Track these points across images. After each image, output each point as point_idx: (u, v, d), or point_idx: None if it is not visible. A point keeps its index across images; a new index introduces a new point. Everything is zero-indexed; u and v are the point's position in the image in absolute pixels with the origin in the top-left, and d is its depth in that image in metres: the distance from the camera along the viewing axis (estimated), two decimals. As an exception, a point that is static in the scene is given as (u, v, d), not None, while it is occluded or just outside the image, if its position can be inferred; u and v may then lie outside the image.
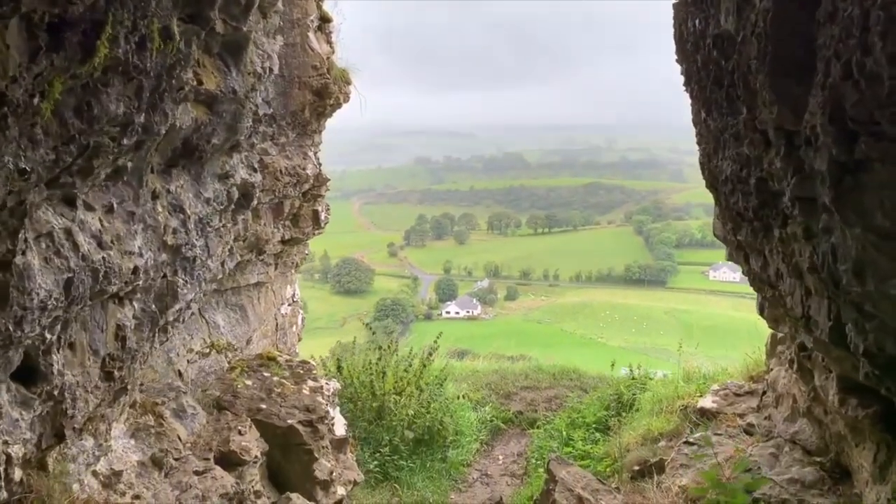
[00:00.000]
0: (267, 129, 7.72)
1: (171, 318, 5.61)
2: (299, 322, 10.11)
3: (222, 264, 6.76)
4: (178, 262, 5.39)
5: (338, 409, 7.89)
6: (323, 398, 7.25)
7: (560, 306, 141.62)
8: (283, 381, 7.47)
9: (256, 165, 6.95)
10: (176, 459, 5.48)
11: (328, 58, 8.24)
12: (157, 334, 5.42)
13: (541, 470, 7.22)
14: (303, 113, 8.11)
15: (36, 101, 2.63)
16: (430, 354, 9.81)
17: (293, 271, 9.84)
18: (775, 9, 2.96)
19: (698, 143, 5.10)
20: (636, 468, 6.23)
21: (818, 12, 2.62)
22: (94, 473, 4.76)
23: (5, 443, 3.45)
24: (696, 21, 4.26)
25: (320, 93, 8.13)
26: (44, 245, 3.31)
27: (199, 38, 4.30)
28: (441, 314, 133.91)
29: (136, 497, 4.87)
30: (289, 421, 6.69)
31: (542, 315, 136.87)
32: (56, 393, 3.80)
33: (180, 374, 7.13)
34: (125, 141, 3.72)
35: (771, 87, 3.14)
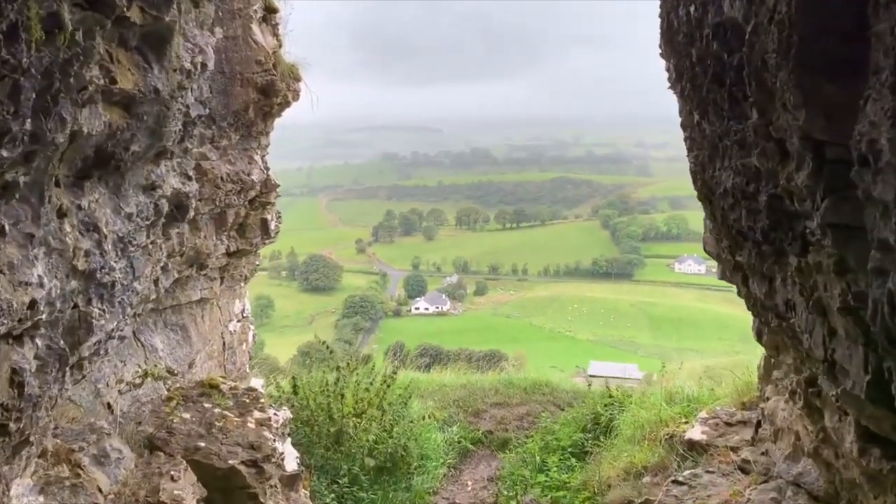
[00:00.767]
0: (205, 131, 7.00)
1: (86, 354, 4.85)
2: (250, 339, 9.36)
3: (155, 283, 6.02)
4: (93, 289, 4.64)
5: (289, 440, 7.17)
6: (271, 432, 6.52)
7: (529, 301, 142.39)
8: (227, 412, 6.72)
9: (192, 173, 6.19)
10: (92, 518, 4.73)
11: (274, 52, 7.51)
12: (68, 373, 4.65)
13: (513, 503, 6.61)
14: (247, 113, 7.39)
15: None
16: (395, 372, 9.12)
17: (242, 285, 9.09)
18: (805, -11, 2.34)
19: (689, 150, 4.47)
20: (619, 510, 5.61)
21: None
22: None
23: None
24: (691, 9, 3.62)
25: (266, 90, 7.41)
26: None
27: (103, 28, 3.54)
28: (410, 310, 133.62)
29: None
30: (230, 461, 5.95)
31: (511, 310, 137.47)
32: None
33: (110, 407, 6.39)
34: (4, 153, 2.99)
35: (797, 85, 2.51)
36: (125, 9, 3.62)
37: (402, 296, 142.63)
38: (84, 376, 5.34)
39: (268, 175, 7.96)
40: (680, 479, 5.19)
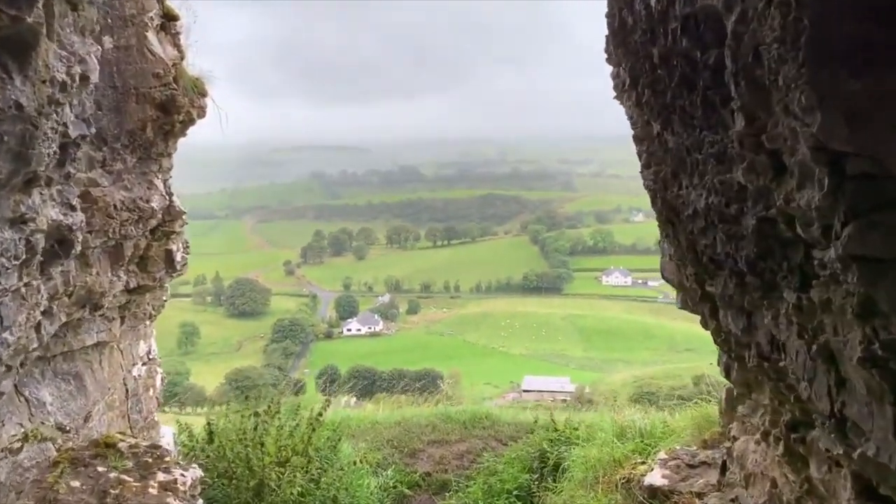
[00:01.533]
0: (94, 154, 6.12)
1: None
2: (158, 384, 8.36)
3: (37, 329, 5.12)
4: (-59, 347, 3.75)
5: (200, 503, 6.27)
6: (177, 497, 5.63)
7: (462, 317, 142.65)
8: (124, 476, 5.78)
9: (76, 202, 5.29)
10: None
11: (175, 64, 6.68)
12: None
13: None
14: (144, 132, 6.53)
15: None
16: (321, 412, 8.30)
17: (147, 323, 8.11)
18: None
19: (646, 165, 3.95)
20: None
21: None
22: None
23: None
24: (652, 1, 3.09)
25: (165, 107, 6.57)
26: None
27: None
28: (342, 332, 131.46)
29: None
30: (126, 539, 5.04)
31: (444, 327, 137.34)
32: None
33: (-17, 477, 5.39)
34: None
35: (811, 82, 1.98)
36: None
37: (334, 317, 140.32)
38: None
39: (171, 201, 7.08)
40: (644, 533, 4.65)
